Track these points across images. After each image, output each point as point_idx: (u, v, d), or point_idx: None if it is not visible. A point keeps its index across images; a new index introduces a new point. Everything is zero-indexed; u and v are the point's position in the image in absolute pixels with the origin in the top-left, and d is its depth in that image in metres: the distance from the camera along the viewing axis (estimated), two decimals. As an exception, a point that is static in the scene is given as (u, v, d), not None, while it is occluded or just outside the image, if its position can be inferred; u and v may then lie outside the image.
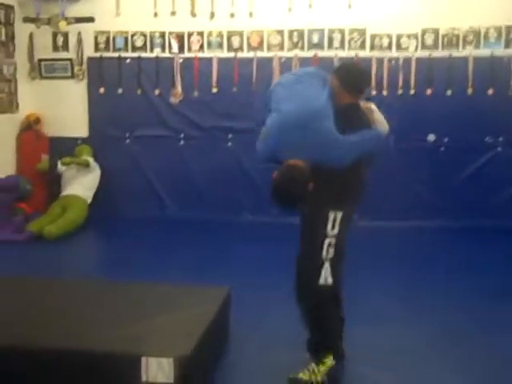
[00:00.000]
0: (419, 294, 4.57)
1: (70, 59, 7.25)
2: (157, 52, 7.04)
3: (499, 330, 3.94)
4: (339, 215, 3.12)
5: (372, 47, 6.67)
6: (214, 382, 3.28)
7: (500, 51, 6.49)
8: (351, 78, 3.26)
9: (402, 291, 4.62)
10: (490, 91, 6.49)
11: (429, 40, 6.59)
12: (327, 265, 3.13)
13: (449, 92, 6.57)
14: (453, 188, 6.67)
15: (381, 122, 3.31)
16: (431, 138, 6.66)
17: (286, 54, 6.81)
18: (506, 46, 6.48)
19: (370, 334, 3.80)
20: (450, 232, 6.37)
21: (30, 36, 7.23)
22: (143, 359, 2.87)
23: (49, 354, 2.99)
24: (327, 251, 3.13)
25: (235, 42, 6.88)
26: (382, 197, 6.11)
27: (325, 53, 6.73)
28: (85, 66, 7.23)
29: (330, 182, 3.06)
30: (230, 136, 6.94)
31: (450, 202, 6.66)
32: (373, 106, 3.33)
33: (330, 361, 3.25)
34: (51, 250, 5.90)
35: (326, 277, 3.14)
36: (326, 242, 3.12)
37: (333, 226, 3.12)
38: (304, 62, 6.69)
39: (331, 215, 3.12)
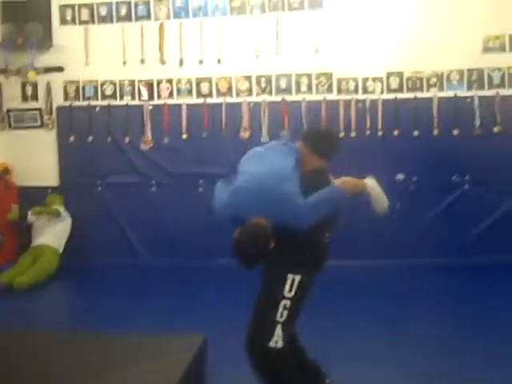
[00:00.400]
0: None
1: (39, 109, 7.27)
2: (127, 100, 7.09)
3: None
4: (297, 278, 3.11)
5: (339, 91, 6.81)
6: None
7: (463, 93, 6.65)
8: (318, 142, 3.35)
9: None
10: (456, 131, 6.62)
11: (393, 83, 6.75)
12: (279, 328, 3.09)
13: (415, 133, 6.69)
14: (422, 226, 6.74)
15: (379, 199, 3.33)
16: (400, 177, 6.75)
17: (254, 99, 6.90)
18: (469, 88, 6.64)
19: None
20: (417, 269, 6.40)
21: (-1, 86, 7.26)
22: None
23: None
24: (281, 314, 3.10)
25: (204, 88, 6.97)
26: (349, 235, 6.15)
27: (293, 97, 6.84)
28: (54, 115, 7.25)
29: (290, 245, 3.06)
30: (200, 181, 6.95)
31: (419, 239, 6.71)
32: (371, 183, 3.36)
33: None
34: (22, 301, 5.81)
35: (276, 340, 3.09)
36: (282, 303, 3.10)
37: (290, 289, 3.10)
38: (272, 106, 6.82)
39: (289, 278, 3.11)
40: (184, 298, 5.69)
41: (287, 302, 3.10)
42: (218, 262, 6.82)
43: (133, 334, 3.96)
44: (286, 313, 3.09)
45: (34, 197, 7.11)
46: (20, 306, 5.67)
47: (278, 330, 3.08)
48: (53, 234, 6.83)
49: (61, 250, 6.81)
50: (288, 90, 6.87)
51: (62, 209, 6.95)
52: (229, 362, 4.00)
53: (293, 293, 3.10)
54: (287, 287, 3.10)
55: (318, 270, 3.27)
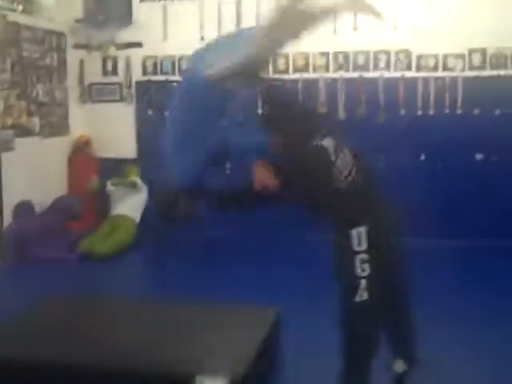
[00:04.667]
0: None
1: (118, 83, 7.45)
2: (204, 74, 7.16)
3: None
4: (362, 230, 3.10)
5: (418, 68, 6.68)
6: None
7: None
8: None
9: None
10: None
11: (476, 60, 6.57)
12: (363, 282, 3.08)
13: (497, 112, 6.51)
14: (502, 206, 6.57)
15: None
16: (479, 156, 6.60)
17: (331, 75, 6.86)
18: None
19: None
20: (497, 250, 6.25)
21: (81, 61, 7.46)
22: (197, 379, 2.90)
23: (101, 373, 3.03)
24: (362, 268, 3.08)
25: (281, 64, 6.96)
26: (429, 214, 6.09)
27: (370, 74, 6.77)
28: (133, 90, 7.41)
29: (335, 198, 3.11)
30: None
31: (494, 219, 6.55)
32: None
33: None
34: (101, 269, 6.02)
35: (361, 294, 3.09)
36: (357, 257, 3.09)
37: (359, 243, 3.09)
38: (349, 82, 6.77)
39: (353, 232, 3.10)
40: (260, 269, 5.75)
41: (363, 256, 3.09)
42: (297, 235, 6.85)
43: (208, 303, 4.02)
44: (366, 266, 3.09)
45: (112, 168, 7.31)
46: (99, 273, 5.88)
47: (363, 285, 3.09)
48: (130, 204, 7.02)
49: (137, 221, 6.99)
50: (365, 67, 6.80)
51: (138, 180, 7.12)
52: (302, 337, 4.05)
53: (364, 246, 3.10)
54: (355, 242, 3.10)
55: (381, 218, 3.21)
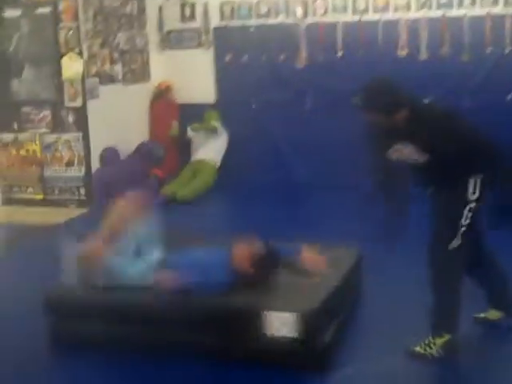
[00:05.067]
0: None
1: (197, 29, 7.47)
2: (281, 18, 7.11)
3: None
4: (478, 179, 3.13)
5: (506, 3, 6.39)
6: (341, 339, 3.33)
7: None
8: None
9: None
10: None
11: None
12: (463, 229, 3.15)
13: None
14: None
15: None
16: None
17: (413, 15, 6.66)
18: None
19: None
20: None
21: (160, 8, 7.52)
22: (266, 313, 3.01)
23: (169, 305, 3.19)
24: (466, 216, 3.14)
25: (360, 4, 6.81)
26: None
27: (454, 12, 6.53)
28: (211, 35, 7.43)
29: (460, 147, 3.09)
30: (355, 99, 6.88)
31: None
32: None
33: (447, 334, 3.22)
34: (184, 213, 6.18)
35: (457, 241, 3.14)
36: (467, 207, 3.13)
37: (474, 191, 3.13)
38: (432, 22, 6.55)
39: (470, 180, 3.13)
40: (340, 214, 5.78)
41: (472, 205, 3.14)
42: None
43: (291, 242, 4.08)
44: (470, 215, 3.14)
45: (192, 113, 7.41)
46: (182, 217, 6.04)
47: (461, 232, 3.14)
48: (210, 149, 7.13)
49: (218, 165, 7.11)
50: (449, 5, 6.55)
51: (218, 125, 7.20)
52: (383, 278, 4.08)
53: (476, 194, 3.13)
54: (470, 189, 3.13)
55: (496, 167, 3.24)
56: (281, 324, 2.97)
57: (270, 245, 3.30)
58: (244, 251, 3.24)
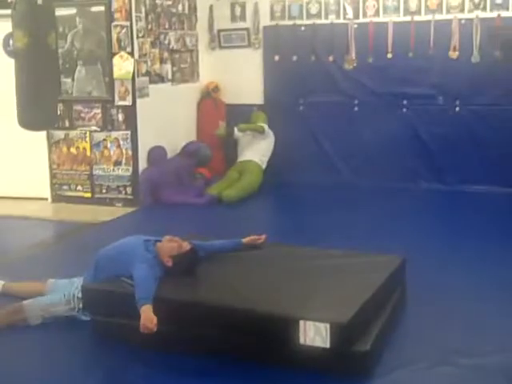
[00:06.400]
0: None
1: (246, 29, 7.48)
2: (331, 18, 7.05)
3: None
4: None
5: None
6: (382, 347, 3.28)
7: None
8: None
9: None
10: None
11: None
12: None
13: None
14: None
15: None
16: None
17: (466, 15, 6.52)
18: None
19: None
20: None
21: (210, 8, 7.55)
22: (301, 322, 3.00)
23: (216, 310, 3.21)
24: None
25: (412, 4, 6.70)
26: None
27: (509, 13, 6.36)
28: (261, 35, 7.42)
29: None
30: (404, 102, 6.81)
31: None
32: None
33: None
34: (230, 213, 6.20)
35: None
36: None
37: None
38: (486, 23, 6.40)
39: None
40: (385, 218, 5.71)
41: None
42: (419, 184, 6.76)
43: (332, 250, 4.05)
44: None
45: (239, 114, 7.43)
46: (227, 217, 6.06)
47: None
48: (257, 150, 7.12)
49: (264, 166, 7.09)
50: (504, 6, 6.39)
51: (265, 126, 7.19)
52: (427, 284, 4.01)
53: None
54: None
55: None
56: (314, 333, 2.96)
57: (194, 243, 3.66)
58: (165, 248, 3.57)
